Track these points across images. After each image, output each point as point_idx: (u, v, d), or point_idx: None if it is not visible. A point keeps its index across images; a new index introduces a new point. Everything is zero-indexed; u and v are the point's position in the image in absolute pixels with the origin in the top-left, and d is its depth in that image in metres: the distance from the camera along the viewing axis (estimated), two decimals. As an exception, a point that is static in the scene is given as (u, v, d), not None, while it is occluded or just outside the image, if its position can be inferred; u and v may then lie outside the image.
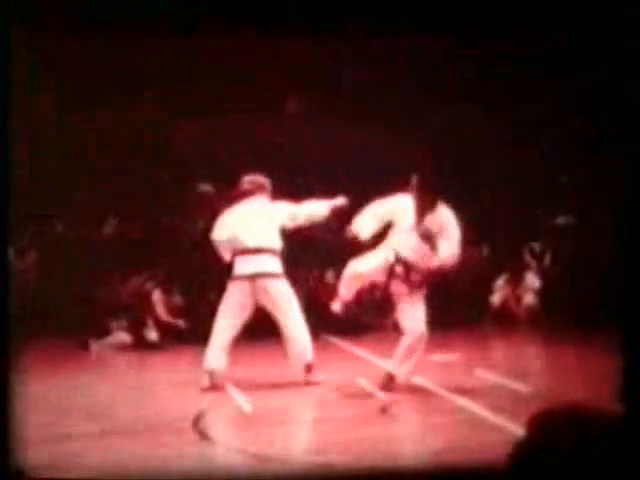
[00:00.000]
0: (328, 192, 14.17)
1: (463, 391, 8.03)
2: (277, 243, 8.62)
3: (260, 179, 8.85)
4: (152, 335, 11.56)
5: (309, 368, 8.54)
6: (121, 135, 14.14)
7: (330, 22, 7.56)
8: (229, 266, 8.63)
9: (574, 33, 9.03)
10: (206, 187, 12.67)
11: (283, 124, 14.85)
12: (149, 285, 12.16)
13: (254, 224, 8.49)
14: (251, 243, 8.45)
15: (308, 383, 8.42)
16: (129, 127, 14.25)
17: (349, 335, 11.82)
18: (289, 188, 14.50)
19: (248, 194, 8.72)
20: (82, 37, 10.80)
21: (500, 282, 13.39)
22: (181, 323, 11.71)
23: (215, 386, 8.27)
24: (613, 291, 11.37)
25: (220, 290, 10.82)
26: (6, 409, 4.82)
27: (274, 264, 8.55)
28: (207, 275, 11.63)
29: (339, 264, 13.37)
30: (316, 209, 8.84)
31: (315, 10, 7.56)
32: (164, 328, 11.68)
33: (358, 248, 8.16)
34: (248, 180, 8.83)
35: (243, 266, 8.46)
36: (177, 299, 12.04)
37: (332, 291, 13.00)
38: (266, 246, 8.47)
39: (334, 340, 11.71)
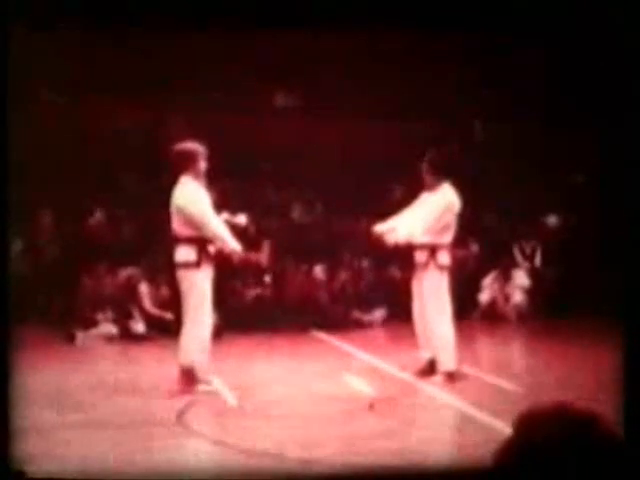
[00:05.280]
0: (317, 186, 14.20)
1: (450, 388, 8.03)
2: (183, 230, 7.94)
3: (189, 150, 8.02)
4: (139, 327, 11.52)
5: (187, 375, 7.93)
6: (111, 128, 14.11)
7: (322, 15, 7.52)
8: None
9: (578, 32, 9.02)
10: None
11: (271, 118, 14.82)
12: (136, 277, 12.13)
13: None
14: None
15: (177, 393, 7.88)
16: (119, 121, 14.22)
17: (337, 330, 11.80)
18: (277, 180, 14.60)
19: (176, 170, 8.00)
20: (81, 36, 10.78)
21: (488, 280, 13.39)
22: (168, 315, 11.65)
23: (196, 378, 8.11)
24: (602, 290, 11.44)
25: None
26: (5, 404, 4.81)
27: (183, 253, 7.92)
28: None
29: (328, 260, 13.44)
30: (230, 243, 7.98)
31: (306, 3, 7.53)
32: (150, 320, 11.64)
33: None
34: (177, 150, 8.06)
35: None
36: (164, 291, 11.99)
37: (320, 287, 13.07)
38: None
39: (322, 335, 11.69)
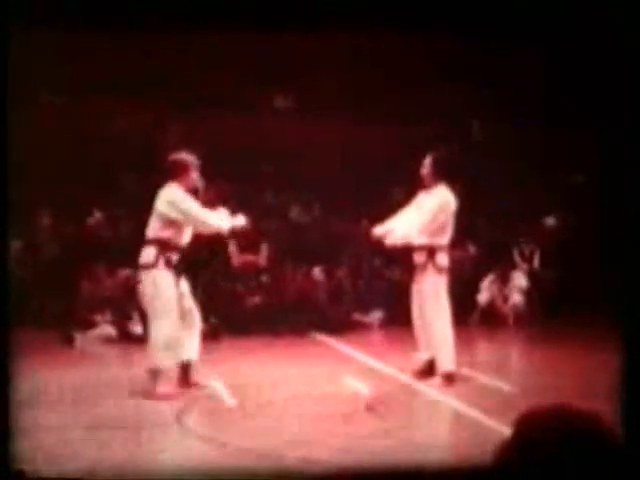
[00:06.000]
0: (316, 187, 14.19)
1: (448, 389, 8.03)
2: (151, 232, 8.02)
3: (181, 160, 8.10)
4: (137, 328, 11.51)
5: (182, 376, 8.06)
6: (110, 128, 14.13)
7: (322, 17, 7.53)
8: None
9: (578, 32, 9.02)
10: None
11: (270, 119, 14.83)
12: (134, 278, 12.11)
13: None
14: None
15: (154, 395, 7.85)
16: (119, 121, 14.23)
17: (336, 332, 11.80)
18: (275, 182, 14.59)
19: (169, 176, 8.06)
20: (81, 36, 10.77)
21: (487, 281, 13.39)
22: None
23: (190, 379, 8.14)
24: (601, 291, 11.44)
25: (205, 283, 10.78)
26: (5, 405, 4.81)
27: (145, 255, 7.98)
28: (192, 269, 11.59)
29: (326, 261, 13.43)
30: (212, 222, 8.01)
31: (304, 5, 7.53)
32: (149, 321, 11.65)
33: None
34: (172, 160, 8.13)
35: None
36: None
37: (319, 288, 13.06)
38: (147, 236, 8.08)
39: (321, 337, 11.69)
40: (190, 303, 8.18)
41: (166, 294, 7.84)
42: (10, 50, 4.88)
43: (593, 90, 11.41)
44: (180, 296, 8.02)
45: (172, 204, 7.87)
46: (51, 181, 12.53)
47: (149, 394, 7.71)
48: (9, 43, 4.89)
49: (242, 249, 12.76)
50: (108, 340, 11.41)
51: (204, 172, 8.12)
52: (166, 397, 7.65)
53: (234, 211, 8.37)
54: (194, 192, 8.14)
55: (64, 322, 11.53)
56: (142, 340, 11.25)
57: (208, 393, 7.94)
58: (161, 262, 7.84)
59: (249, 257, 12.91)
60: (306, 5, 7.56)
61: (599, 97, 10.18)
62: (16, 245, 12.17)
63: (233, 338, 11.43)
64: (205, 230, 8.14)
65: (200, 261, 11.78)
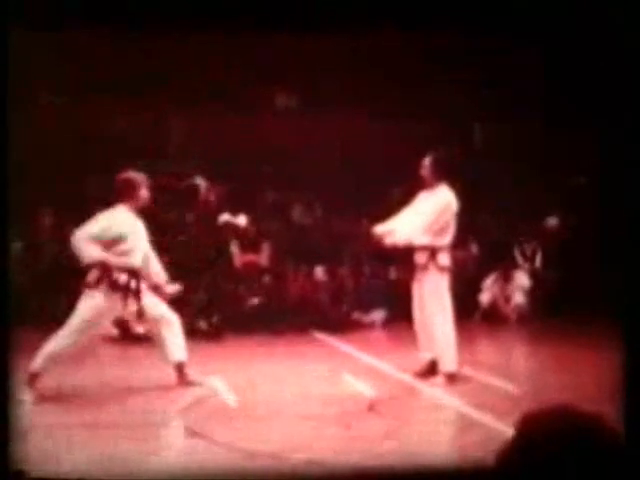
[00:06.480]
0: (317, 187, 14.19)
1: (450, 389, 8.03)
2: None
3: (128, 180, 8.09)
4: (139, 328, 11.51)
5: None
6: (110, 129, 14.12)
7: (323, 16, 7.52)
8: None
9: (578, 32, 9.01)
10: (200, 181, 12.62)
11: (272, 120, 14.83)
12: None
13: None
14: None
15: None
16: (119, 121, 14.23)
17: (337, 331, 11.81)
18: (277, 182, 14.60)
19: (117, 197, 8.05)
20: (81, 36, 10.79)
21: (489, 281, 13.39)
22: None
23: (185, 378, 8.19)
24: (602, 291, 11.43)
25: (207, 284, 10.77)
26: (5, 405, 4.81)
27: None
28: (195, 269, 11.60)
29: (328, 261, 13.44)
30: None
31: (304, 4, 7.53)
32: (152, 322, 11.64)
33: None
34: (119, 179, 8.11)
35: None
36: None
37: (320, 288, 13.07)
38: None
39: (322, 337, 11.69)
40: (160, 310, 8.19)
41: (82, 315, 7.83)
42: (10, 50, 4.88)
43: (593, 90, 11.39)
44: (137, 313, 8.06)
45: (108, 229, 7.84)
46: (51, 181, 12.52)
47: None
48: (9, 43, 4.89)
49: (244, 249, 12.76)
50: (110, 339, 11.40)
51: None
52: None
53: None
54: (148, 210, 8.10)
55: (66, 320, 11.52)
56: (144, 340, 11.29)
57: (209, 392, 7.95)
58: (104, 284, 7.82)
59: (251, 257, 12.92)
60: (306, 4, 7.56)
61: (599, 97, 10.16)
62: (16, 245, 12.17)
63: (235, 337, 11.44)
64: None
65: (202, 261, 11.80)
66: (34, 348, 7.90)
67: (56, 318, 11.76)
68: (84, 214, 8.01)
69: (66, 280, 12.25)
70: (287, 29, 8.81)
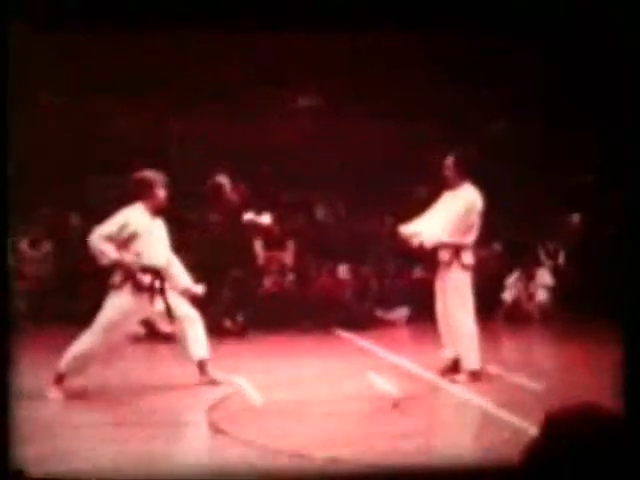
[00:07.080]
0: (341, 185, 14.19)
1: (474, 387, 8.04)
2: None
3: (145, 179, 8.14)
4: (165, 327, 11.55)
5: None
6: (110, 129, 14.13)
7: (341, 16, 7.52)
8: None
9: (578, 32, 8.98)
10: (222, 179, 12.64)
11: (295, 119, 14.84)
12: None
13: None
14: None
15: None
16: (119, 121, 14.26)
17: (361, 329, 11.82)
18: (301, 181, 14.61)
19: (133, 196, 8.13)
20: (81, 36, 10.80)
21: (512, 279, 13.37)
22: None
23: (208, 376, 8.24)
24: (627, 289, 11.37)
25: (231, 281, 10.79)
26: (5, 405, 4.85)
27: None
28: (219, 267, 11.65)
29: (351, 259, 13.45)
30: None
31: (324, 4, 7.52)
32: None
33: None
34: (135, 178, 8.20)
35: None
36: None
37: (344, 286, 13.09)
38: None
39: (346, 334, 11.71)
40: (183, 309, 8.25)
41: (110, 314, 7.87)
42: (10, 50, 4.91)
43: (593, 90, 11.33)
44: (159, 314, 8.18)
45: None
46: (51, 181, 12.58)
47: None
48: (9, 43, 4.92)
49: (268, 247, 12.80)
50: (136, 338, 11.46)
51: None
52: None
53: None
54: (170, 209, 8.14)
55: (93, 319, 11.59)
56: (170, 339, 11.35)
57: (234, 391, 7.99)
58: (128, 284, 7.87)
59: (275, 255, 12.95)
60: (307, 4, 7.55)
61: (599, 97, 10.10)
62: (16, 245, 12.28)
63: (259, 335, 11.48)
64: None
65: (226, 260, 11.85)
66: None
67: (69, 307, 11.89)
68: (97, 208, 8.07)
69: (88, 280, 12.36)
70: (288, 29, 8.79)
